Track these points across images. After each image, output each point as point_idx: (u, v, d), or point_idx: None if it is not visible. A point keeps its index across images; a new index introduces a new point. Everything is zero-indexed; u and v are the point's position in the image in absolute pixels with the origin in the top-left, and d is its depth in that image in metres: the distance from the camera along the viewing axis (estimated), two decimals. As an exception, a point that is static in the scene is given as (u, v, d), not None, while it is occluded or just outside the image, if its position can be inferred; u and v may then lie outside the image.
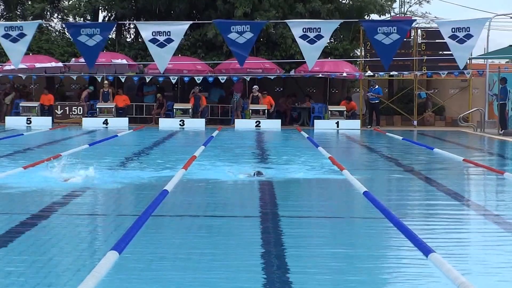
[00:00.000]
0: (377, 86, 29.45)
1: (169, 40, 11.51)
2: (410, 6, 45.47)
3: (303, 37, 11.51)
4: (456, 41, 11.47)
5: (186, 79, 28.96)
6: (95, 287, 5.46)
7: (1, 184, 10.93)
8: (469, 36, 11.45)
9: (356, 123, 28.40)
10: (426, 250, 6.60)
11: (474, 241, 7.89)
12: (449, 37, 11.51)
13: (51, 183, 10.99)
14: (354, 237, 7.94)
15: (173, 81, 29.21)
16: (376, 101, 29.27)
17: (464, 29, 11.46)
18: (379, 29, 11.42)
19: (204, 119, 28.54)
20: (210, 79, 28.92)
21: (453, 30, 11.50)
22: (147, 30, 11.75)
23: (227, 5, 29.80)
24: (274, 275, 6.07)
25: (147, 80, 29.46)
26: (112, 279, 5.83)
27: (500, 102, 26.19)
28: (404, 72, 29.33)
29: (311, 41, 11.49)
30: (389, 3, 33.70)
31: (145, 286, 5.79)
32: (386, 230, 8.12)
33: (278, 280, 5.92)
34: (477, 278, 6.02)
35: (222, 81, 28.91)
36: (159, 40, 11.53)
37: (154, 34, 11.58)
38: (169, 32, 11.53)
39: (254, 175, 12.03)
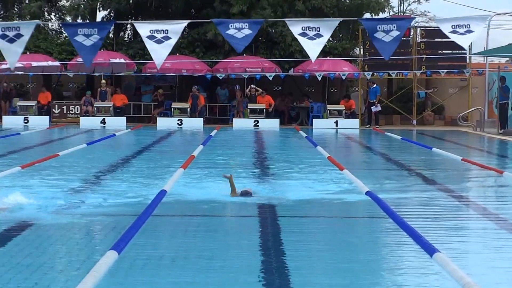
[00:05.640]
0: (375, 85, 29.37)
1: (167, 38, 11.44)
2: (409, 4, 45.39)
3: (303, 34, 11.45)
4: (457, 35, 11.45)
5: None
6: (94, 287, 5.37)
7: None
8: (469, 32, 11.41)
9: (355, 123, 28.32)
10: (430, 250, 6.52)
11: (476, 241, 7.82)
12: (449, 32, 11.49)
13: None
14: (356, 236, 7.87)
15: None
16: (375, 100, 29.18)
17: (464, 26, 11.42)
18: (379, 27, 11.37)
19: (202, 118, 28.46)
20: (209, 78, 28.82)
21: (453, 27, 11.45)
22: (144, 28, 11.69)
23: (224, 5, 29.64)
24: (274, 275, 6.00)
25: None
26: (111, 279, 5.75)
27: (501, 102, 25.99)
28: (404, 72, 29.22)
29: (311, 38, 11.43)
30: (388, -1, 33.62)
31: (144, 285, 5.72)
32: (390, 230, 8.04)
33: (278, 281, 5.85)
34: (481, 278, 5.93)
35: (220, 77, 28.77)
36: (157, 37, 11.47)
37: (151, 31, 11.52)
38: (167, 30, 11.47)
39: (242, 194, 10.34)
